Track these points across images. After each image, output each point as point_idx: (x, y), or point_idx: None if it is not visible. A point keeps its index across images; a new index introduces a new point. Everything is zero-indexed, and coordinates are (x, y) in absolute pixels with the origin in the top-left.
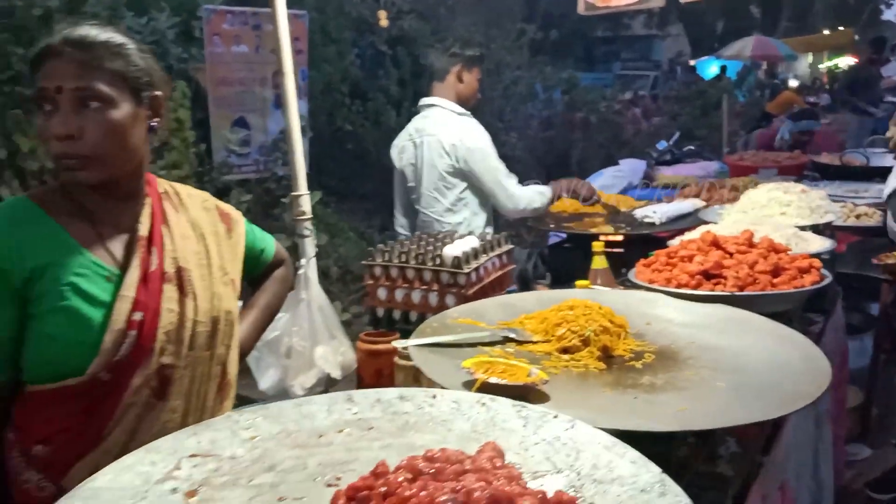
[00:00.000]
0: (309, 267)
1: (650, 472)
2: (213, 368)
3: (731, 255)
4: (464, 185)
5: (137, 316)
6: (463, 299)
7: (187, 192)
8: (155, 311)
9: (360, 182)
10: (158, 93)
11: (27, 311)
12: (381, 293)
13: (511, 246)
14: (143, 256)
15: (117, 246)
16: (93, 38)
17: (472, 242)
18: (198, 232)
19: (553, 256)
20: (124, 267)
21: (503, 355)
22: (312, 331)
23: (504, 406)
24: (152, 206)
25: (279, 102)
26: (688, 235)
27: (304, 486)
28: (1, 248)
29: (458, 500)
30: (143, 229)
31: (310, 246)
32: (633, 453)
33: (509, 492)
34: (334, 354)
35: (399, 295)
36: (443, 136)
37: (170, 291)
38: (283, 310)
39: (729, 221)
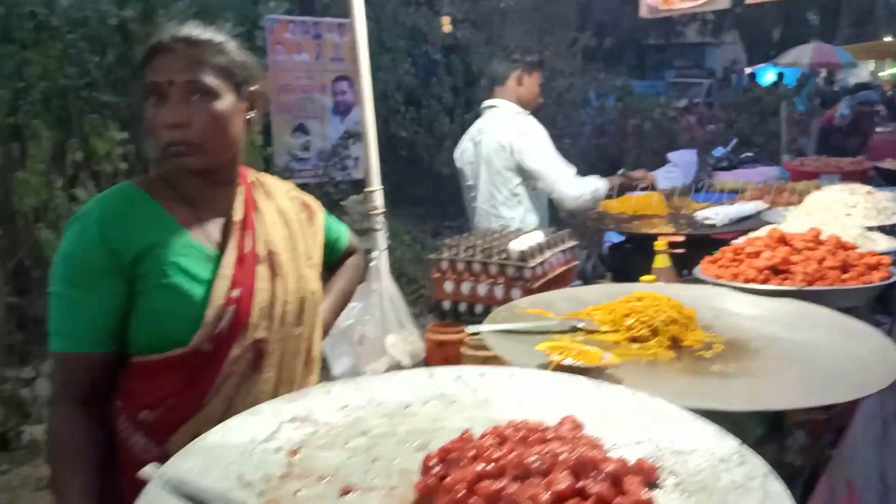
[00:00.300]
0: (381, 259)
1: (729, 444)
2: (301, 345)
3: (798, 251)
4: (518, 179)
5: (235, 293)
6: (528, 293)
7: (273, 181)
8: (250, 288)
9: (413, 187)
10: (256, 87)
11: (134, 287)
12: (448, 286)
13: (575, 242)
14: (238, 239)
15: (214, 229)
16: (199, 36)
17: (537, 237)
18: (284, 218)
19: (613, 256)
20: (221, 248)
21: (574, 342)
22: (384, 320)
23: (581, 383)
24: (245, 193)
25: (338, 109)
26: (752, 234)
27: (396, 449)
28: (112, 229)
29: (546, 461)
30: (238, 214)
31: (381, 239)
32: (711, 427)
33: (593, 456)
34: (404, 343)
35: (465, 288)
36: (500, 133)
37: (262, 272)
38: (355, 299)
39: (793, 222)
